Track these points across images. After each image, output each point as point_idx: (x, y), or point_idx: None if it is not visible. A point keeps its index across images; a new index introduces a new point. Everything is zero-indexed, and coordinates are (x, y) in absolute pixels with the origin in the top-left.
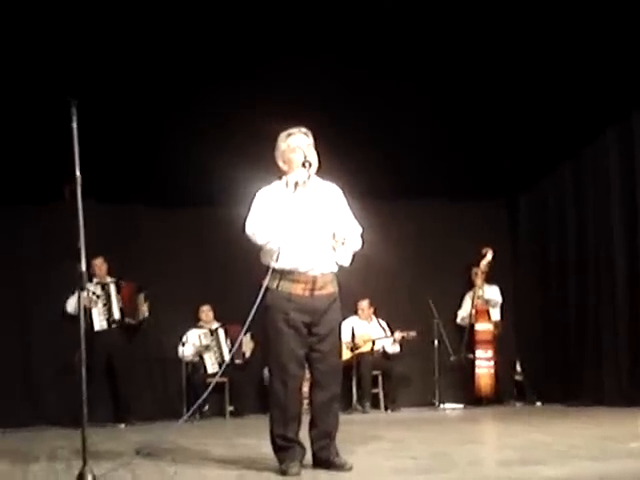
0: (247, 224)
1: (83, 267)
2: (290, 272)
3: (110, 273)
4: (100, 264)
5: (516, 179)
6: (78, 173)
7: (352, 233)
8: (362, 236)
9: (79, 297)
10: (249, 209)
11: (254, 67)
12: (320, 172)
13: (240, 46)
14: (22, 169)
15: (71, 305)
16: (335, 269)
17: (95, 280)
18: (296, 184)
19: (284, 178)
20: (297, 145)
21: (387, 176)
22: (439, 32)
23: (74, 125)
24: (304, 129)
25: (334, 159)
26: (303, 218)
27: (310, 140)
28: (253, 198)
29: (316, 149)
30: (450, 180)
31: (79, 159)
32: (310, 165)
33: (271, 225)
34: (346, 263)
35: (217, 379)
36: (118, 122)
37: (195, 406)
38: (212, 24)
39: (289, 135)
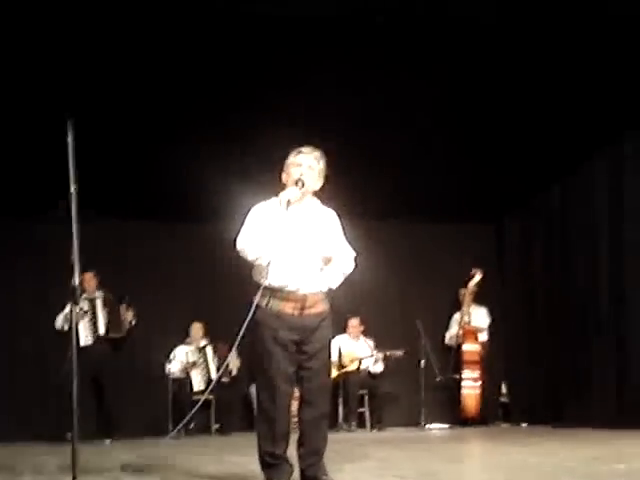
0: (238, 239)
1: (76, 282)
2: (279, 290)
3: (100, 287)
4: (89, 279)
5: (505, 201)
6: (73, 189)
7: (344, 256)
8: (356, 260)
9: (71, 311)
10: (242, 224)
11: (257, 83)
12: (318, 193)
13: (242, 62)
14: (19, 183)
15: (59, 321)
16: (325, 289)
17: (84, 295)
18: (288, 202)
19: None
20: (300, 163)
21: (378, 197)
22: (432, 62)
23: (69, 140)
24: (318, 153)
25: (329, 179)
26: (294, 236)
27: (316, 164)
28: (247, 213)
29: (326, 175)
30: (440, 201)
31: (76, 174)
32: (303, 185)
33: (262, 241)
34: (334, 285)
35: (205, 397)
36: (114, 136)
37: (182, 423)
38: (213, 38)
39: (299, 152)
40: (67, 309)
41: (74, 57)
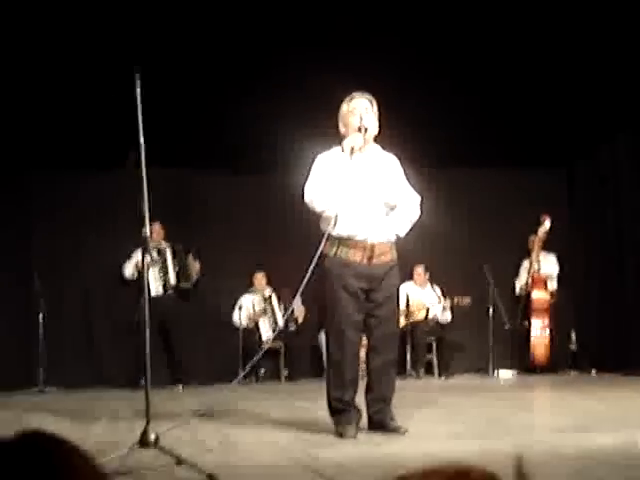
0: (306, 190)
1: (147, 232)
2: (348, 239)
3: (166, 238)
4: (158, 229)
5: (575, 146)
6: (142, 140)
7: (409, 202)
8: (421, 205)
9: (143, 260)
10: (307, 175)
11: (318, 38)
12: (378, 140)
13: (305, 16)
14: (89, 135)
15: (128, 270)
16: (393, 237)
17: (153, 245)
18: (352, 149)
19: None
20: (356, 108)
21: (444, 144)
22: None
23: (138, 92)
24: (368, 95)
25: (392, 127)
26: (360, 184)
27: (371, 106)
28: (312, 164)
29: (379, 116)
30: (508, 147)
31: (143, 126)
32: (366, 130)
33: (329, 191)
34: (402, 233)
35: (270, 344)
36: (180, 90)
37: (248, 367)
38: None
39: (352, 98)
40: (136, 258)
41: (142, 10)
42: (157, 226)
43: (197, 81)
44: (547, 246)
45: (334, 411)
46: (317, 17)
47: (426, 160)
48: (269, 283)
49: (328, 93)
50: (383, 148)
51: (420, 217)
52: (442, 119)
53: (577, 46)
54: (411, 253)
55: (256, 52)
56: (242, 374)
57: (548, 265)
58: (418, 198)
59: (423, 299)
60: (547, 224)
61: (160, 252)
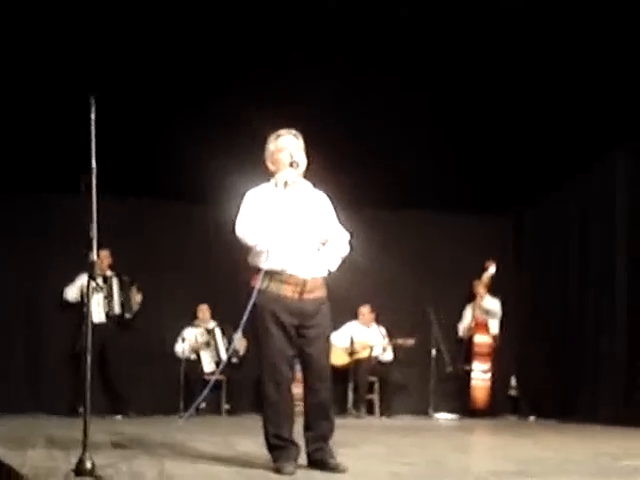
0: (237, 225)
1: (94, 257)
2: (279, 273)
3: (111, 267)
4: (105, 257)
5: (522, 193)
6: (94, 165)
7: (339, 238)
8: (350, 242)
9: (88, 286)
10: (238, 210)
11: (254, 70)
12: (327, 182)
13: (241, 49)
14: (41, 159)
15: (72, 292)
16: (325, 273)
17: (98, 272)
18: (285, 183)
19: (272, 179)
20: (284, 146)
21: (393, 186)
22: (444, 44)
23: (92, 117)
24: (294, 131)
25: (338, 168)
26: (292, 219)
27: (299, 142)
28: (241, 200)
29: (306, 151)
30: (455, 192)
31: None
32: (297, 165)
33: (260, 226)
34: (332, 268)
35: (216, 377)
36: (122, 118)
37: (196, 404)
38: (216, 28)
39: (278, 136)
40: (80, 282)
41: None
42: (105, 253)
43: (139, 109)
44: (492, 291)
45: (272, 447)
46: (254, 53)
47: (374, 202)
48: (212, 316)
49: (267, 127)
50: (314, 185)
51: (352, 254)
52: (391, 162)
53: (525, 91)
54: (357, 293)
55: (198, 85)
56: (189, 411)
57: (491, 310)
58: (347, 235)
59: (368, 338)
60: (492, 270)
61: (106, 280)
